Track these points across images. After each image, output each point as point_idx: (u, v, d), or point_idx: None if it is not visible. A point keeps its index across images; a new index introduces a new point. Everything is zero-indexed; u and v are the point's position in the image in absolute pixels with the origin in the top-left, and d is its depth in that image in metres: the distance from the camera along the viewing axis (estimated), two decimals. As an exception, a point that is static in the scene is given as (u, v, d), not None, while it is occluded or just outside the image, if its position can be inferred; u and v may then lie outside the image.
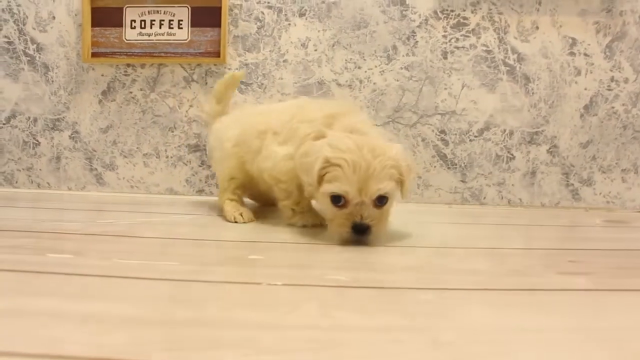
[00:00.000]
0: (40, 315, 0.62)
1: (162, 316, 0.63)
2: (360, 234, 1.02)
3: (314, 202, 1.22)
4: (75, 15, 1.71)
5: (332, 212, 1.06)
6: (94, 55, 1.70)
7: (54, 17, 1.71)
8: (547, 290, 0.80)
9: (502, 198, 1.71)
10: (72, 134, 1.74)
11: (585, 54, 1.68)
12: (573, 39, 1.68)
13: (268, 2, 1.68)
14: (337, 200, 1.04)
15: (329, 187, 1.03)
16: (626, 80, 1.68)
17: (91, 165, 1.74)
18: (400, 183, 1.07)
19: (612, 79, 1.68)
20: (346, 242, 1.04)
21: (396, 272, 0.83)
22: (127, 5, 1.69)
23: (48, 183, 1.76)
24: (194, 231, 1.19)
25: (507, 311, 0.70)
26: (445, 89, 1.68)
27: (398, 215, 1.18)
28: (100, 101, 1.73)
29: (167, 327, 0.60)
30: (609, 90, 1.69)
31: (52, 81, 1.73)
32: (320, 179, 1.04)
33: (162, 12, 1.69)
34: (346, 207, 1.03)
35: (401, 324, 0.63)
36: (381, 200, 1.04)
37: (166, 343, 0.55)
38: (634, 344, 0.59)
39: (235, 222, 1.29)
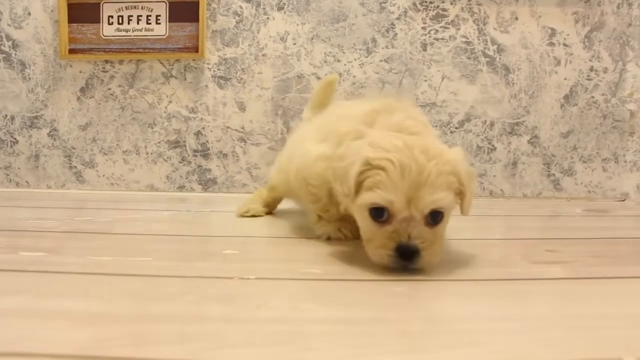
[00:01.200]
0: (6, 313, 0.61)
1: (130, 312, 0.62)
2: (406, 258, 0.79)
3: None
4: (51, 11, 1.69)
5: (371, 230, 0.83)
6: (71, 51, 1.68)
7: (29, 14, 1.69)
8: (522, 279, 0.80)
9: (484, 189, 1.71)
10: (50, 132, 1.73)
11: (565, 44, 1.68)
12: (552, 29, 1.68)
13: (246, -4, 1.67)
14: (378, 214, 0.80)
15: (369, 197, 0.80)
16: (605, 70, 1.69)
17: (70, 163, 1.73)
18: (460, 195, 0.83)
19: (591, 69, 1.69)
20: (388, 268, 0.80)
21: (368, 265, 0.82)
22: (104, 1, 1.67)
23: (27, 182, 1.74)
24: (172, 227, 1.18)
25: (479, 301, 0.70)
26: (425, 80, 1.68)
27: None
28: (78, 98, 1.72)
29: (135, 322, 0.59)
30: (589, 80, 1.69)
31: (29, 78, 1.71)
32: (359, 187, 0.82)
33: (140, 7, 1.68)
34: (390, 223, 0.80)
35: (371, 316, 0.63)
36: (435, 217, 0.80)
37: (133, 338, 0.54)
38: (603, 331, 0.59)
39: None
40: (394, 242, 0.78)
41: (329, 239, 1.01)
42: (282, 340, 0.55)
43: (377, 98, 1.28)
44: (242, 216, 1.30)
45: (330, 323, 0.60)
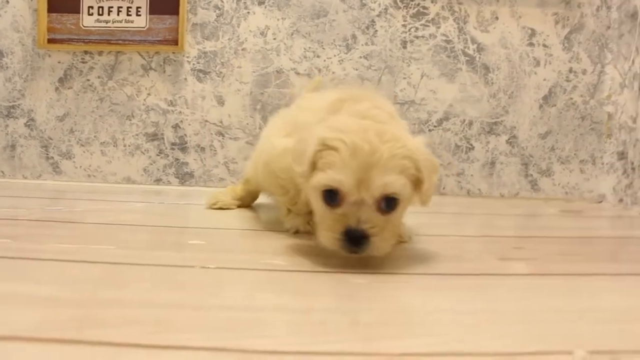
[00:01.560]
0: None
1: (80, 297, 0.63)
2: (354, 243, 0.77)
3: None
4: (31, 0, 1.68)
5: (322, 213, 0.81)
6: (50, 41, 1.67)
7: (7, 1, 1.68)
8: (485, 274, 0.81)
9: (462, 188, 1.72)
10: (27, 122, 1.71)
11: (544, 45, 1.69)
12: (532, 29, 1.68)
13: (227, -10, 1.67)
14: (331, 197, 0.79)
15: (320, 177, 0.79)
16: (584, 72, 1.70)
17: (47, 154, 1.72)
18: (418, 183, 0.81)
19: (570, 70, 1.70)
20: (338, 252, 0.79)
21: (334, 257, 0.82)
22: (84, -9, 1.67)
23: (2, 172, 1.73)
24: (142, 218, 1.18)
25: (437, 294, 0.70)
26: (405, 78, 1.68)
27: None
28: (56, 88, 1.70)
29: (83, 307, 0.59)
30: (568, 81, 1.70)
31: (7, 67, 1.70)
32: (313, 168, 0.81)
33: (120, -2, 1.67)
34: (341, 206, 0.78)
35: (326, 306, 0.63)
36: (389, 203, 0.78)
37: (78, 321, 0.55)
38: (558, 324, 0.60)
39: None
40: (343, 226, 0.76)
41: (297, 232, 1.01)
42: (231, 326, 0.55)
43: (343, 88, 1.29)
44: (211, 208, 1.30)
45: (283, 312, 0.61)
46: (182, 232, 1.06)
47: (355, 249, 0.77)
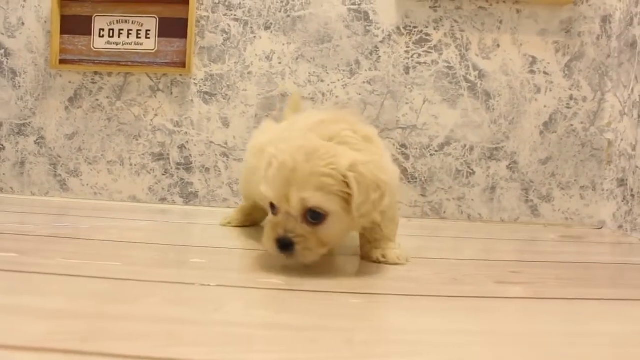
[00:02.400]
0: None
1: (88, 310, 0.65)
2: (282, 249, 0.86)
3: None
4: (45, 22, 1.73)
5: (268, 221, 0.93)
6: (61, 62, 1.71)
7: (23, 23, 1.73)
8: (480, 297, 0.82)
9: (462, 213, 1.74)
10: (37, 140, 1.75)
11: (545, 72, 1.72)
12: (533, 57, 1.71)
13: (235, 15, 1.71)
14: (272, 207, 0.90)
15: (262, 191, 0.89)
16: (584, 99, 1.72)
17: (55, 171, 1.75)
18: (347, 199, 0.85)
19: (571, 97, 1.72)
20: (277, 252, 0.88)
21: (332, 278, 0.84)
22: (97, 14, 1.71)
23: (11, 188, 1.76)
24: (146, 236, 1.21)
25: (433, 315, 0.71)
26: (407, 103, 1.71)
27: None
28: (66, 108, 1.74)
29: (90, 320, 0.61)
30: (568, 108, 1.72)
31: (19, 86, 1.74)
32: None
33: (131, 22, 1.71)
34: (277, 215, 0.89)
35: (320, 324, 0.65)
36: (315, 216, 0.85)
37: (85, 334, 0.56)
38: (549, 348, 0.61)
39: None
40: (275, 233, 0.87)
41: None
42: (229, 341, 0.57)
43: (326, 110, 1.32)
44: (225, 226, 1.35)
45: (278, 328, 0.62)
46: (184, 251, 1.08)
47: (285, 255, 0.87)
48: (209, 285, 0.79)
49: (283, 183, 0.85)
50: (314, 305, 0.73)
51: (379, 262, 1.00)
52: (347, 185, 0.84)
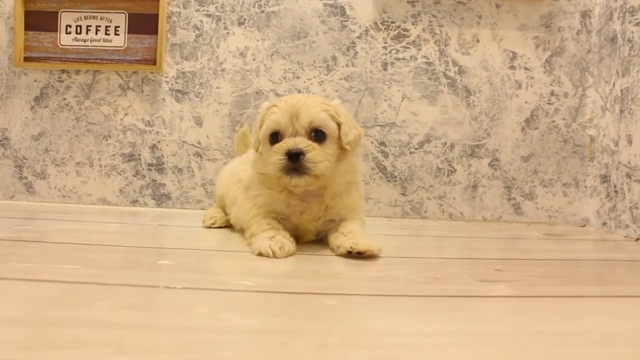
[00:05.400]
0: None
1: (35, 316, 0.59)
2: (293, 160, 0.98)
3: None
4: (8, 18, 1.66)
5: (268, 154, 1.02)
6: (26, 59, 1.65)
7: (-16, 20, 1.66)
8: (464, 296, 0.78)
9: (443, 212, 1.69)
10: (1, 141, 1.68)
11: (526, 68, 1.69)
12: (513, 52, 1.68)
13: (207, 11, 1.65)
14: (274, 138, 1.02)
15: (265, 126, 1.03)
16: (566, 95, 1.69)
17: (21, 174, 1.68)
18: (338, 125, 1.04)
19: (552, 93, 1.69)
20: (283, 172, 0.99)
21: (306, 278, 0.80)
22: (63, 10, 1.65)
23: (-26, 192, 1.69)
24: (113, 238, 1.15)
25: (414, 316, 0.67)
26: (385, 100, 1.67)
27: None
28: (32, 107, 1.68)
29: (36, 327, 0.56)
30: (549, 104, 1.69)
31: (-18, 86, 1.67)
32: (262, 125, 1.05)
33: (99, 17, 1.65)
34: (281, 141, 1.01)
35: (293, 327, 0.60)
36: (318, 135, 1.02)
37: (28, 342, 0.52)
38: (534, 347, 0.57)
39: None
40: (285, 149, 0.99)
41: (260, 254, 0.97)
42: (189, 348, 0.52)
43: None
44: (210, 227, 1.32)
45: (246, 333, 0.57)
46: (152, 253, 1.02)
47: (296, 165, 0.98)
48: (174, 287, 0.74)
49: (293, 110, 1.01)
50: (285, 308, 0.68)
51: (351, 252, 0.98)
52: (338, 114, 1.05)
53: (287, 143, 1.00)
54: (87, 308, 0.63)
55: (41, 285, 0.72)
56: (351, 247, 0.98)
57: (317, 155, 1.00)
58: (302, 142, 0.99)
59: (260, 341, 0.55)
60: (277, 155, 0.99)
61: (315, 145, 1.00)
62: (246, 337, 0.56)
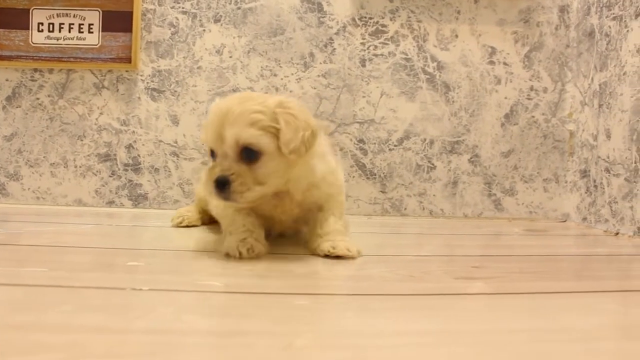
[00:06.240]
0: None
1: (-10, 321, 0.57)
2: (219, 188, 0.89)
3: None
4: (-22, 17, 1.62)
5: (208, 168, 0.95)
6: (-3, 58, 1.61)
7: (-47, 19, 1.62)
8: (440, 294, 0.77)
9: (424, 209, 1.68)
10: (-27, 143, 1.64)
11: (505, 63, 1.68)
12: (492, 48, 1.67)
13: (182, 7, 1.63)
14: (212, 153, 0.94)
15: (200, 138, 1.00)
16: (545, 90, 1.69)
17: (-7, 176, 1.65)
18: (276, 134, 0.90)
19: (531, 88, 1.69)
20: (218, 197, 0.91)
21: (279, 278, 0.78)
22: (34, 7, 1.61)
23: (-55, 194, 1.65)
24: (85, 239, 1.12)
25: (385, 315, 0.65)
26: (364, 97, 1.65)
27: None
28: (4, 107, 1.64)
29: (-4, 332, 0.54)
30: (529, 99, 1.69)
31: (-48, 86, 1.63)
32: None
33: (72, 15, 1.62)
34: (216, 160, 0.93)
35: (259, 328, 0.58)
36: (249, 154, 0.89)
37: (-20, 348, 0.49)
38: (510, 346, 0.55)
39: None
40: (214, 175, 0.89)
41: (227, 254, 0.94)
42: (151, 350, 0.50)
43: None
44: (178, 226, 1.29)
45: (210, 335, 0.56)
46: (123, 254, 1.00)
47: (223, 194, 0.89)
48: (140, 289, 0.72)
49: (218, 125, 0.89)
50: (254, 308, 0.66)
51: (329, 255, 0.95)
52: (275, 120, 0.90)
53: (216, 169, 0.90)
54: (50, 312, 0.61)
55: (4, 289, 0.70)
56: (329, 251, 0.95)
57: (242, 184, 0.89)
58: (227, 169, 0.89)
59: (224, 344, 0.53)
60: (208, 182, 0.91)
61: (243, 169, 0.89)
62: (210, 339, 0.54)
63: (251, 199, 0.91)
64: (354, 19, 1.64)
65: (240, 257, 0.92)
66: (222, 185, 0.89)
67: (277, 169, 0.92)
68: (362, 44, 1.65)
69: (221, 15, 1.63)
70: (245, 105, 0.89)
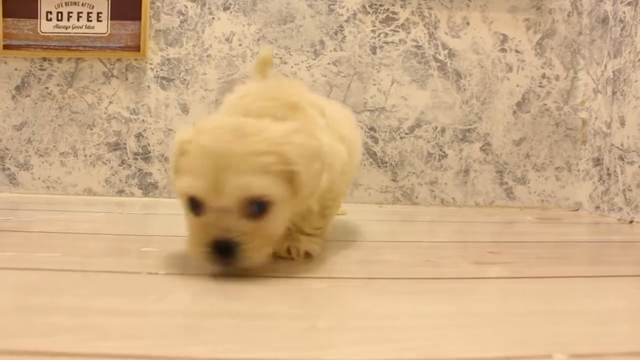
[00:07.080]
0: None
1: (11, 304, 0.57)
2: (224, 255, 0.67)
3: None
4: (-14, 6, 1.62)
5: (189, 223, 0.71)
6: (6, 47, 1.61)
7: (-38, 8, 1.62)
8: (458, 278, 0.76)
9: (435, 197, 1.67)
10: (-18, 132, 1.64)
11: (517, 51, 1.66)
12: (504, 35, 1.66)
13: (192, -5, 1.62)
14: (194, 205, 0.68)
15: (179, 186, 0.70)
16: (557, 78, 1.67)
17: (3, 165, 1.64)
18: (290, 179, 0.68)
19: (543, 76, 1.67)
20: (209, 265, 0.69)
21: (293, 262, 0.77)
22: (43, -4, 1.61)
23: (-45, 184, 1.65)
24: (97, 227, 1.12)
25: (405, 299, 0.65)
26: (375, 84, 1.64)
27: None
28: (13, 97, 1.64)
29: (14, 314, 0.55)
30: (541, 87, 1.67)
31: (-39, 75, 1.63)
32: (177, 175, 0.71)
33: (80, 3, 1.61)
34: (205, 214, 0.68)
35: (279, 311, 0.58)
36: (260, 207, 0.67)
37: (5, 330, 0.50)
38: (535, 327, 0.55)
39: None
40: (209, 236, 0.66)
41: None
42: (170, 333, 0.50)
43: (270, 80, 1.12)
44: None
45: (229, 317, 0.55)
46: (135, 240, 0.99)
47: (226, 261, 0.67)
48: (157, 273, 0.71)
49: (214, 171, 0.65)
50: (272, 292, 0.65)
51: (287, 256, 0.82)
52: (288, 161, 0.67)
53: (212, 229, 0.66)
54: (66, 295, 0.60)
55: (19, 274, 0.70)
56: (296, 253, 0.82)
57: (256, 245, 0.67)
58: (232, 229, 0.66)
59: (244, 326, 0.53)
60: (199, 243, 0.68)
61: (253, 227, 0.67)
62: (229, 321, 0.54)
63: (262, 261, 0.70)
64: (364, 6, 1.63)
65: None
66: (225, 251, 0.66)
67: (287, 215, 0.73)
68: (373, 31, 1.63)
69: (230, 3, 1.62)
70: (249, 142, 0.67)
